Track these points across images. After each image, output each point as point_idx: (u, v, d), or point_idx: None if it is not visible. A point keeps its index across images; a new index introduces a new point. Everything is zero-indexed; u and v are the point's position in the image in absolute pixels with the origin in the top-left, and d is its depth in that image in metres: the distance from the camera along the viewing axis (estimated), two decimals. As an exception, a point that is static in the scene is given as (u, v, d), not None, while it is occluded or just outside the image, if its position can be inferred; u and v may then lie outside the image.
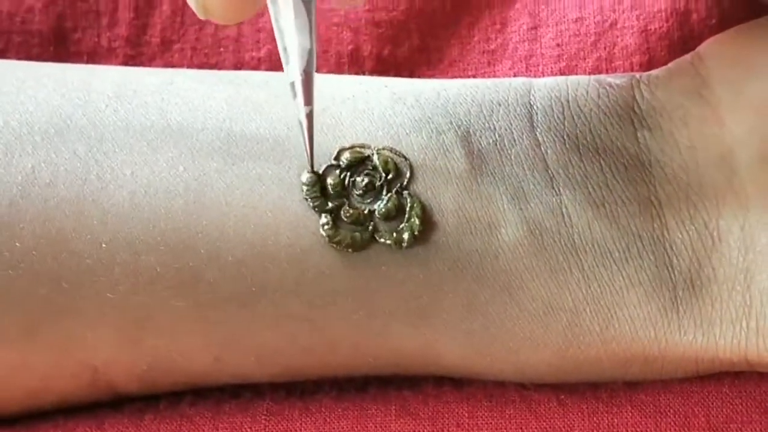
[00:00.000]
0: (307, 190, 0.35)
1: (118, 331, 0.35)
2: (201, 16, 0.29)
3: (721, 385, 0.36)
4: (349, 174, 0.35)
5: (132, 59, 0.43)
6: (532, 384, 0.36)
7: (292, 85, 0.32)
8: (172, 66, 0.43)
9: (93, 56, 0.43)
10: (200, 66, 0.43)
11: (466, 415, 0.36)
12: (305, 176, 0.35)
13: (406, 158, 0.35)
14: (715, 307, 0.35)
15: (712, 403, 0.36)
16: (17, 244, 0.34)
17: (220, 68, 0.43)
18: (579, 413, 0.36)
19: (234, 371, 0.36)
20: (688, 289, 0.35)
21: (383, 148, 0.35)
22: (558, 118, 0.36)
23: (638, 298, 0.35)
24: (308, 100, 0.33)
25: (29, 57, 0.42)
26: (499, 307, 0.35)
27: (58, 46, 0.43)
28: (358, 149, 0.35)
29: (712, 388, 0.36)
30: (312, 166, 0.35)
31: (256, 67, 0.43)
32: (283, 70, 0.42)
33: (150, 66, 0.43)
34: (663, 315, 0.35)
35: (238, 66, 0.43)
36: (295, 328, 0.35)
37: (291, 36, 0.31)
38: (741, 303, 0.35)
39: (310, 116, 0.33)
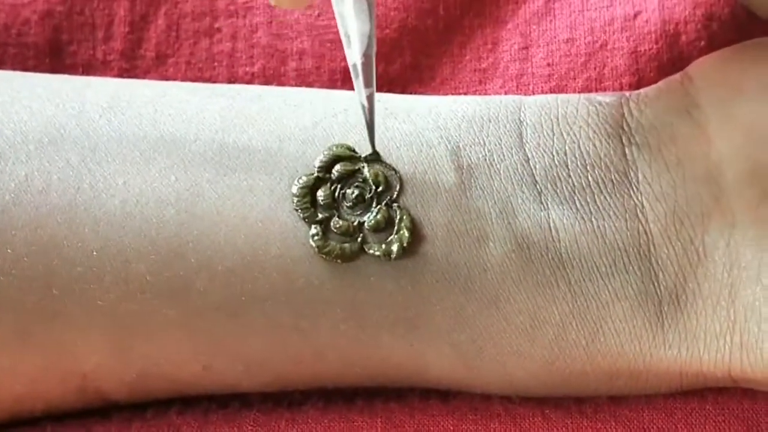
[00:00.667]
0: (298, 201, 0.35)
1: (107, 338, 0.35)
2: (273, 2, 0.30)
3: (705, 401, 0.36)
4: (339, 186, 0.36)
5: (127, 72, 0.43)
6: (517, 397, 0.37)
7: (354, 67, 0.33)
8: (167, 80, 0.43)
9: (88, 69, 0.43)
10: (194, 80, 0.43)
11: (452, 428, 0.36)
12: (296, 188, 0.35)
13: (395, 171, 0.36)
14: (699, 322, 0.35)
15: (696, 420, 0.36)
16: (9, 250, 0.35)
17: (213, 82, 0.43)
18: (563, 428, 0.36)
19: (223, 380, 0.36)
20: (674, 303, 0.35)
21: (372, 159, 0.36)
22: (547, 134, 0.36)
23: (624, 312, 0.35)
24: (369, 81, 0.34)
25: (25, 69, 0.43)
26: (486, 320, 0.35)
27: (54, 58, 0.43)
28: (349, 163, 0.36)
29: (695, 404, 0.36)
30: (373, 147, 0.35)
31: (249, 82, 0.43)
32: (274, 84, 0.43)
33: (144, 79, 0.43)
34: (648, 329, 0.35)
35: (232, 81, 0.43)
36: (283, 338, 0.35)
37: (351, 21, 0.32)
38: (725, 318, 0.35)
39: (371, 98, 0.34)
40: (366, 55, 0.33)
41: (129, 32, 0.43)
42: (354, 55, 0.33)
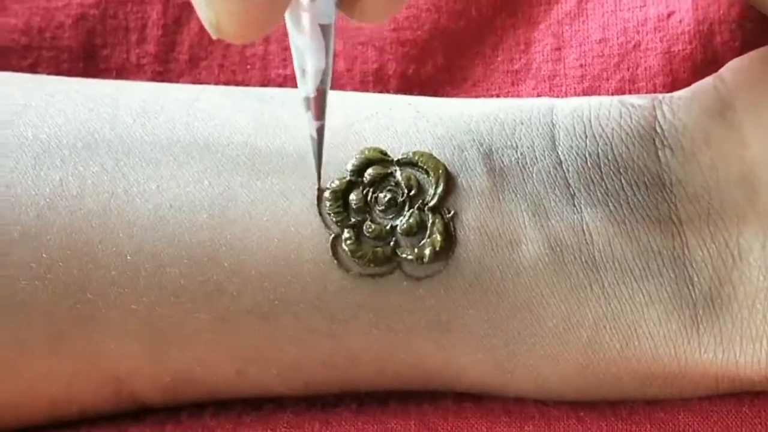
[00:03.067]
0: (330, 205, 0.35)
1: (141, 342, 0.35)
2: (214, 36, 0.29)
3: (741, 404, 0.36)
4: (371, 190, 0.36)
5: (160, 76, 0.43)
6: (551, 401, 0.36)
7: (306, 99, 0.33)
8: (200, 83, 0.43)
9: (121, 72, 0.43)
10: (227, 83, 0.43)
11: (485, 430, 0.36)
12: (328, 191, 0.35)
13: (439, 168, 0.35)
14: (735, 325, 0.35)
15: (732, 423, 0.36)
16: (44, 255, 0.35)
17: (246, 85, 0.43)
18: (598, 430, 0.36)
19: (256, 384, 0.36)
20: (709, 306, 0.35)
21: (411, 155, 0.36)
22: (580, 137, 0.36)
23: (658, 316, 0.35)
24: (319, 115, 0.33)
25: (59, 73, 0.43)
26: (519, 324, 0.35)
27: (88, 62, 0.43)
28: (381, 166, 0.36)
29: (731, 407, 0.36)
30: (319, 181, 0.35)
31: (282, 84, 0.43)
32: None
33: (178, 83, 0.43)
34: (683, 333, 0.35)
35: (265, 83, 0.43)
36: (316, 342, 0.35)
37: (308, 57, 0.32)
38: (762, 321, 0.35)
39: (320, 130, 0.34)
40: (318, 90, 0.32)
41: (162, 35, 0.43)
42: (307, 89, 0.33)
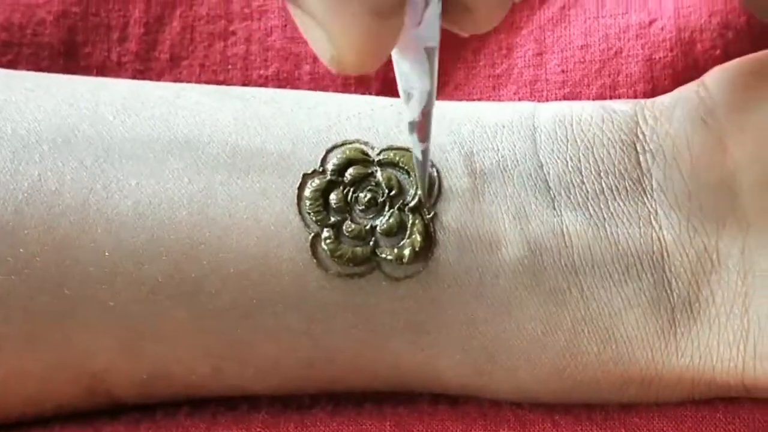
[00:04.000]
0: (310, 205, 0.35)
1: (118, 339, 0.35)
2: (334, 70, 0.29)
3: (715, 410, 0.36)
4: (352, 189, 0.36)
5: (141, 74, 0.43)
6: (527, 404, 0.36)
7: (411, 124, 0.33)
8: (181, 82, 0.43)
9: (102, 70, 0.43)
10: (208, 83, 0.43)
11: (461, 433, 0.36)
12: (308, 191, 0.35)
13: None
14: (713, 330, 0.35)
15: (706, 429, 0.36)
16: (21, 250, 0.35)
17: (228, 85, 0.43)
18: (574, 434, 0.36)
19: (233, 383, 0.36)
20: (687, 311, 0.35)
21: (387, 151, 0.36)
22: (561, 140, 0.36)
23: (636, 320, 0.35)
24: (424, 137, 0.33)
25: (39, 69, 0.43)
26: (497, 326, 0.35)
27: (68, 59, 0.43)
28: (362, 166, 0.36)
29: (706, 413, 0.36)
30: (428, 203, 0.35)
31: (263, 85, 0.43)
32: (288, 87, 0.42)
33: (158, 82, 0.43)
34: (661, 337, 0.35)
35: (246, 83, 0.43)
36: (294, 341, 0.35)
37: (413, 80, 0.31)
38: (739, 326, 0.35)
39: (425, 153, 0.34)
40: (424, 113, 0.32)
41: (144, 34, 0.43)
42: (413, 113, 0.32)
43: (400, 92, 0.32)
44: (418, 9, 0.29)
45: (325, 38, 0.28)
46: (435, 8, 0.29)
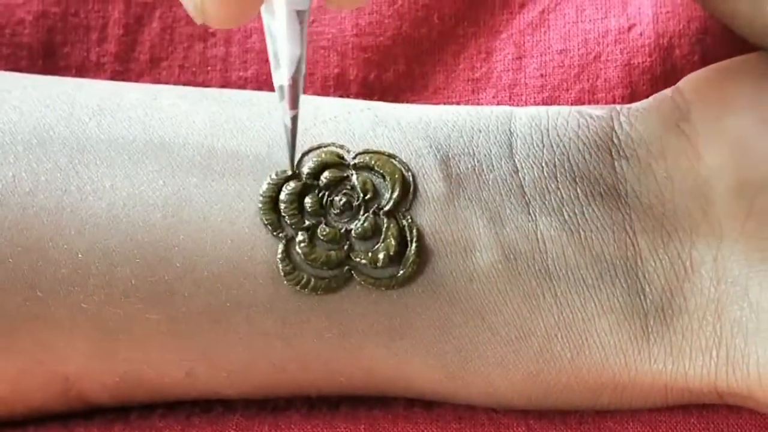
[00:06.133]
0: (285, 208, 0.35)
1: (90, 341, 0.35)
2: (198, 21, 0.29)
3: (689, 416, 0.36)
4: (327, 193, 0.36)
5: (120, 75, 0.43)
6: (502, 409, 0.36)
7: (280, 88, 0.33)
8: (160, 83, 0.43)
9: (81, 71, 0.43)
10: (187, 84, 0.43)
11: (435, 436, 0.36)
12: (283, 194, 0.35)
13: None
14: (685, 337, 0.35)
15: None
16: None
17: (207, 87, 0.43)
18: (547, 439, 0.36)
19: (206, 386, 0.36)
20: (660, 317, 0.35)
21: (360, 166, 0.35)
22: (537, 145, 0.36)
23: (610, 326, 0.35)
24: (294, 104, 0.33)
25: (17, 69, 0.42)
26: (471, 331, 0.35)
27: (47, 59, 0.43)
28: (337, 170, 0.36)
29: (680, 418, 0.36)
30: (293, 169, 0.35)
31: (242, 87, 0.43)
32: (267, 89, 0.42)
33: (138, 82, 0.43)
34: (634, 343, 0.35)
35: (225, 85, 0.43)
36: (267, 345, 0.35)
37: (282, 43, 0.31)
38: (711, 333, 0.35)
39: (294, 119, 0.33)
40: (293, 78, 0.32)
41: (123, 35, 0.43)
42: (282, 78, 0.32)
43: (270, 56, 0.32)
44: None
45: None
46: None
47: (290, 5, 0.30)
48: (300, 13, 0.30)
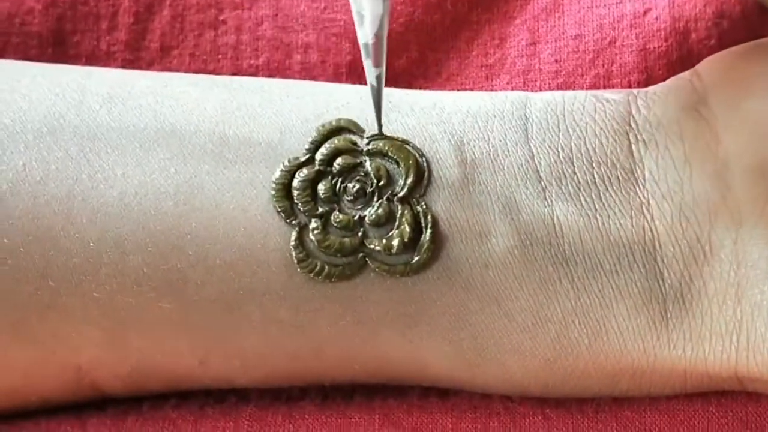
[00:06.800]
0: (298, 195, 0.35)
1: (103, 330, 0.35)
2: None
3: (708, 404, 0.36)
4: (340, 180, 0.35)
5: (130, 64, 0.43)
6: (518, 397, 0.36)
7: (365, 46, 0.33)
8: (171, 71, 0.43)
9: (91, 60, 0.43)
10: (198, 72, 0.43)
11: (450, 426, 0.36)
12: (296, 181, 0.35)
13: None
14: (705, 321, 0.34)
15: (698, 423, 0.36)
16: (5, 240, 0.34)
17: (217, 75, 0.42)
18: (564, 427, 0.36)
19: (219, 375, 0.36)
20: (679, 302, 0.35)
21: (377, 138, 0.35)
22: (553, 130, 0.36)
23: (628, 311, 0.34)
24: (378, 61, 0.33)
25: (27, 58, 0.42)
26: (487, 317, 0.35)
27: (57, 48, 0.43)
28: (350, 156, 0.35)
29: (698, 406, 0.36)
30: (380, 128, 0.35)
31: (253, 75, 0.43)
32: (279, 77, 0.42)
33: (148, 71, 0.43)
34: (652, 328, 0.34)
35: (236, 73, 0.43)
36: (281, 333, 0.35)
37: (366, 2, 0.32)
38: (731, 317, 0.34)
39: (380, 78, 0.33)
40: (377, 35, 0.32)
41: (133, 23, 0.43)
42: (366, 35, 0.32)
43: (354, 14, 0.32)
44: None
45: None
46: None
47: None
48: None
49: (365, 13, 0.32)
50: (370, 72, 0.33)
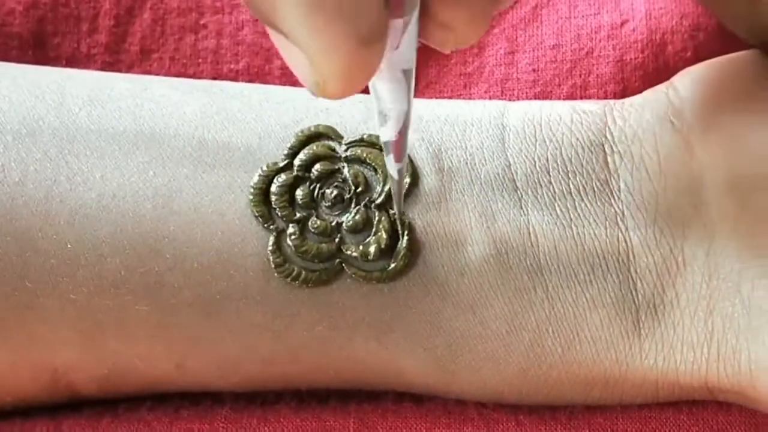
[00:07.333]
0: (276, 200, 0.35)
1: (79, 333, 0.35)
2: (317, 95, 0.28)
3: (680, 412, 0.36)
4: (318, 185, 0.35)
5: (110, 66, 0.43)
6: (491, 403, 0.36)
7: (387, 144, 0.32)
8: (150, 75, 0.43)
9: (71, 62, 0.43)
10: (178, 76, 0.43)
11: (425, 431, 0.36)
12: (274, 186, 0.35)
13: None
14: (677, 332, 0.35)
15: (670, 430, 0.36)
16: None
17: (197, 79, 0.42)
18: (537, 434, 0.36)
19: (195, 379, 0.36)
20: (651, 312, 0.35)
21: (355, 147, 0.35)
22: (530, 140, 0.36)
23: (601, 321, 0.35)
24: (399, 157, 0.32)
25: (7, 60, 0.42)
26: (462, 325, 0.35)
27: (37, 50, 0.43)
28: (329, 162, 0.35)
29: (670, 414, 0.36)
30: (400, 215, 0.35)
31: (233, 80, 0.43)
32: (259, 82, 0.42)
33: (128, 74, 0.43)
34: (625, 338, 0.35)
35: (216, 78, 0.43)
36: (258, 338, 0.35)
37: (390, 102, 0.31)
38: (703, 329, 0.35)
39: (401, 172, 0.33)
40: (401, 132, 0.31)
41: (114, 26, 0.43)
42: (390, 133, 0.32)
43: (376, 114, 0.31)
44: (397, 32, 0.28)
45: (307, 64, 0.27)
46: (413, 30, 0.29)
47: (397, 66, 0.30)
48: (406, 72, 0.30)
49: (390, 113, 0.31)
50: (391, 166, 0.33)
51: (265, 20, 0.27)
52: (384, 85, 0.30)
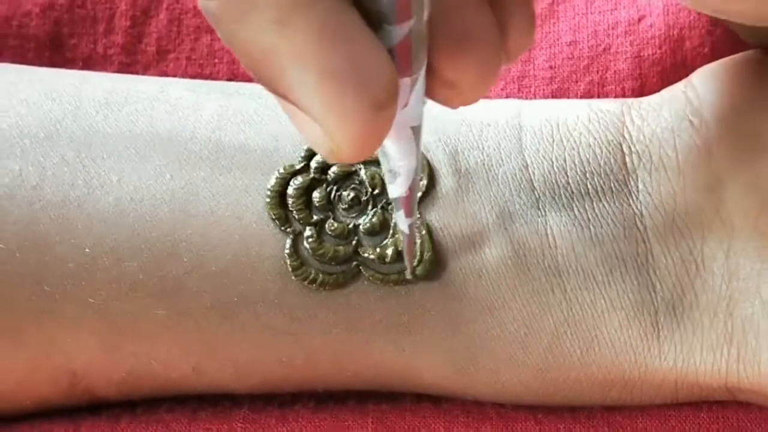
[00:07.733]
0: (293, 203, 0.35)
1: (98, 336, 0.35)
2: (331, 161, 0.28)
3: (699, 410, 0.36)
4: (335, 188, 0.35)
5: (127, 67, 0.43)
6: (510, 404, 0.36)
7: (396, 200, 0.32)
8: (167, 75, 0.43)
9: (88, 63, 0.43)
10: (194, 76, 0.43)
11: (443, 430, 0.36)
12: (291, 188, 0.35)
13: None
14: (696, 334, 0.35)
15: (690, 428, 0.36)
16: (0, 245, 0.34)
17: (214, 79, 0.43)
18: (556, 432, 0.36)
19: (212, 381, 0.36)
20: (670, 314, 0.35)
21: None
22: (547, 140, 0.36)
23: (619, 322, 0.35)
24: (410, 212, 0.32)
25: (24, 62, 0.42)
26: (480, 327, 0.35)
27: (54, 51, 0.43)
28: (345, 164, 0.35)
29: (689, 412, 0.36)
30: (412, 273, 0.34)
31: (250, 80, 0.42)
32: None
33: (144, 74, 0.43)
34: (644, 339, 0.35)
35: (232, 78, 0.43)
36: (275, 341, 0.35)
37: (399, 159, 0.30)
38: (722, 330, 0.34)
39: (411, 227, 0.32)
40: (410, 189, 0.31)
41: (130, 26, 0.43)
42: (399, 190, 0.31)
43: (384, 172, 0.31)
44: (405, 91, 0.28)
45: (321, 133, 0.27)
46: (421, 87, 0.28)
47: (406, 124, 0.29)
48: (414, 129, 0.30)
49: (400, 170, 0.30)
50: (402, 222, 0.32)
51: (273, 89, 0.27)
52: (392, 143, 0.30)
